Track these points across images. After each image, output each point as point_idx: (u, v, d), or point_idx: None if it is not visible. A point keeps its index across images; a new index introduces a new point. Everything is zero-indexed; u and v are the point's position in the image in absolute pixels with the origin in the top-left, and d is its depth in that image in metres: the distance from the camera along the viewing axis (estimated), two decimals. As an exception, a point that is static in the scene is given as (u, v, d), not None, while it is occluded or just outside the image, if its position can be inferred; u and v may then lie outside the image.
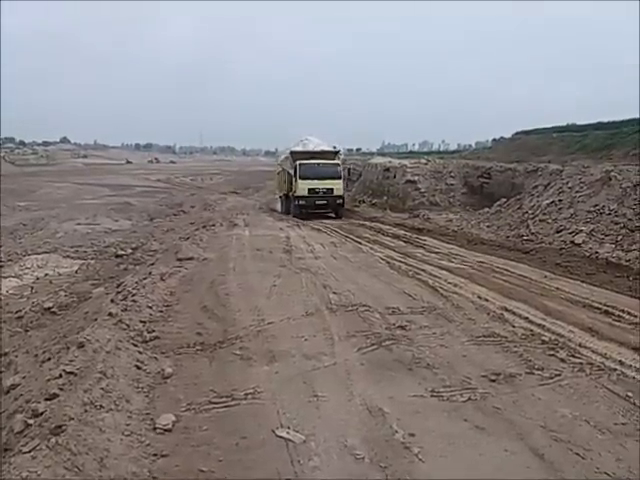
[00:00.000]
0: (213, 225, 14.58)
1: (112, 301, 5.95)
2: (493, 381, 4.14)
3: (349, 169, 22.97)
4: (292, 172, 19.96)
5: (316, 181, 19.12)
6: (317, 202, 19.24)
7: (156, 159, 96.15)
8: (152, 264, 8.77)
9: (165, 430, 3.34)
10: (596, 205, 11.08)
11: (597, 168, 12.64)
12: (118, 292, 6.51)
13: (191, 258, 8.94)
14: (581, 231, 10.55)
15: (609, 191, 11.23)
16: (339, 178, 19.69)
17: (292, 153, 20.42)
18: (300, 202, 19.16)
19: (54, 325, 6.37)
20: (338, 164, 20.24)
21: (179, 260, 8.73)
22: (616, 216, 10.41)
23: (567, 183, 12.77)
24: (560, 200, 12.28)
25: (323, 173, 19.49)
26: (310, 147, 20.96)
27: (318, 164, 19.75)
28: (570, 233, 10.75)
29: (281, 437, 3.27)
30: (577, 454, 3.14)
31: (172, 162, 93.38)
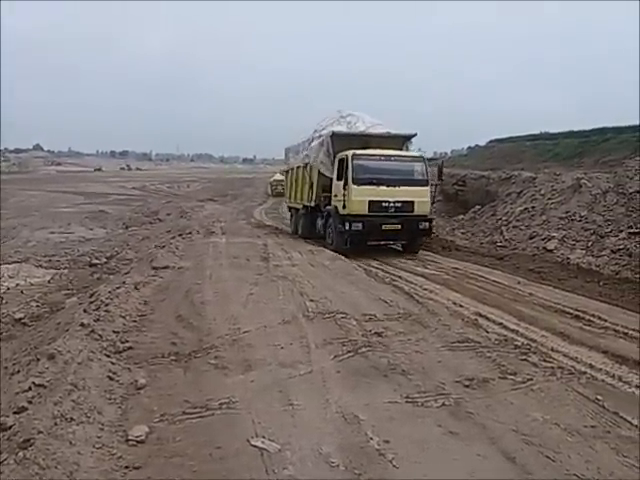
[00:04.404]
0: (189, 233, 14.42)
1: (85, 311, 5.85)
2: (467, 386, 4.18)
3: (440, 167, 13.43)
4: (333, 171, 12.23)
5: (383, 188, 11.34)
6: (385, 226, 11.29)
7: (128, 166, 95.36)
8: (127, 273, 8.65)
9: (138, 442, 3.28)
10: (567, 212, 11.37)
11: (568, 176, 12.99)
12: (91, 302, 6.40)
13: (166, 267, 8.82)
14: (553, 237, 10.80)
15: (580, 198, 11.55)
16: (424, 184, 11.83)
17: (334, 136, 12.46)
18: (354, 227, 11.24)
19: (25, 336, 6.23)
20: (422, 158, 12.36)
21: (154, 269, 8.62)
22: (586, 222, 10.70)
23: (539, 190, 13.08)
24: (533, 207, 12.55)
25: (395, 174, 11.63)
26: (360, 127, 13.10)
27: (387, 157, 11.79)
28: (542, 239, 11.00)
29: (256, 446, 3.25)
30: (547, 457, 3.19)
31: (138, 169, 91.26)
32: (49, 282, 9.67)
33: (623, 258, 9.08)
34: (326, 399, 3.94)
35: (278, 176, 43.59)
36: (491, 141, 29.01)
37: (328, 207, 12.48)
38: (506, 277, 9.18)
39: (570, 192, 12.00)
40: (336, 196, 12.02)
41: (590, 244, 10.05)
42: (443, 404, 3.88)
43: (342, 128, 13.12)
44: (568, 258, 9.94)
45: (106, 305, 6.03)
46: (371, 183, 11.38)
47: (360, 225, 11.28)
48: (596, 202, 11.13)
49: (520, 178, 14.99)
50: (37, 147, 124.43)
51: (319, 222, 13.24)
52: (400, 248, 12.55)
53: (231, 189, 44.12)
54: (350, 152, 11.56)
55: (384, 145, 12.26)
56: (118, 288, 7.00)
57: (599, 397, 4.04)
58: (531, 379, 4.36)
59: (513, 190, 14.47)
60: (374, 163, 11.65)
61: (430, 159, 13.60)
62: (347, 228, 11.36)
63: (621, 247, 9.35)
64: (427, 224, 11.79)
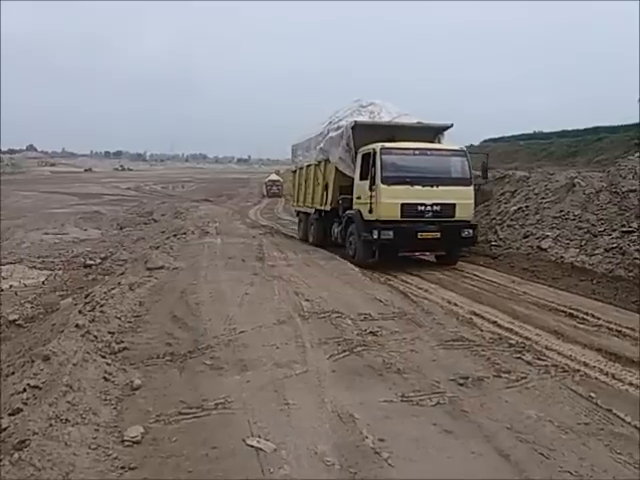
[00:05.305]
0: (184, 233, 14.41)
1: (80, 312, 5.83)
2: (461, 385, 4.21)
3: (485, 163, 11.43)
4: (354, 168, 10.67)
5: (419, 188, 9.67)
6: (421, 234, 9.59)
7: (122, 167, 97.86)
8: (121, 274, 8.63)
9: (133, 442, 3.28)
10: (561, 211, 11.40)
11: (562, 175, 13.02)
12: (86, 303, 6.39)
13: (161, 267, 8.81)
14: (547, 236, 10.83)
15: (573, 197, 11.57)
16: (467, 183, 10.17)
17: (356, 127, 10.70)
18: (383, 235, 9.55)
19: (19, 338, 6.23)
20: (463, 152, 10.53)
21: (149, 269, 8.60)
22: (580, 221, 10.73)
23: (533, 190, 13.09)
24: (527, 206, 12.57)
25: (433, 171, 9.97)
26: (384, 118, 11.51)
27: (423, 151, 10.11)
28: (537, 238, 11.03)
29: (251, 446, 3.25)
30: (541, 454, 3.21)
31: (129, 169, 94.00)
32: (43, 283, 9.65)
33: (616, 257, 9.12)
34: (321, 398, 3.95)
35: (273, 176, 43.76)
36: (485, 140, 29.18)
37: (349, 211, 10.70)
38: (500, 276, 9.22)
39: (564, 191, 12.03)
40: (359, 198, 10.31)
41: (584, 243, 10.08)
42: (438, 402, 3.90)
43: (364, 118, 11.36)
44: (562, 257, 9.98)
45: (101, 306, 6.02)
46: (404, 182, 9.62)
47: (391, 233, 9.51)
48: (589, 201, 11.17)
49: (514, 177, 15.00)
50: (30, 148, 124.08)
51: (335, 229, 11.59)
52: (433, 259, 10.78)
53: (226, 189, 44.11)
54: (378, 145, 9.82)
55: (413, 138, 10.43)
56: (113, 289, 6.99)
57: (592, 394, 4.07)
58: (525, 377, 4.39)
59: (507, 189, 14.49)
60: (407, 158, 9.96)
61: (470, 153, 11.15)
62: (375, 237, 9.56)
63: (614, 246, 9.40)
64: (471, 231, 10.04)
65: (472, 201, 10.24)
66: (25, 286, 9.39)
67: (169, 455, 3.17)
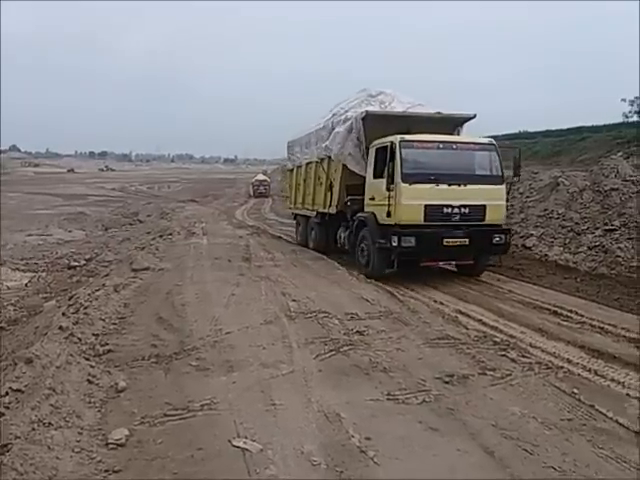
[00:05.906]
0: (170, 234, 14.32)
1: (63, 314, 5.76)
2: (447, 383, 4.23)
3: (517, 159, 9.51)
4: (365, 165, 9.61)
5: (444, 188, 8.47)
6: (447, 241, 8.44)
7: (106, 167, 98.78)
8: (106, 275, 8.54)
9: (118, 445, 3.25)
10: (545, 210, 11.54)
11: (546, 174, 13.17)
12: (70, 305, 6.31)
13: (147, 268, 8.74)
14: (531, 235, 10.97)
15: (557, 196, 11.72)
16: (498, 181, 8.97)
17: (367, 118, 9.64)
18: (404, 242, 8.35)
19: (2, 341, 6.13)
20: (493, 146, 9.13)
21: (134, 271, 8.53)
22: (564, 220, 10.87)
23: (518, 189, 13.21)
24: (512, 205, 12.66)
25: (460, 168, 8.82)
26: (397, 108, 10.36)
27: (448, 145, 8.98)
28: (521, 237, 11.15)
29: (238, 447, 3.24)
30: (525, 450, 3.24)
31: (111, 170, 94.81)
32: (26, 285, 9.52)
33: (599, 255, 9.25)
34: (308, 398, 3.95)
35: (260, 176, 43.72)
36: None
37: (360, 214, 9.52)
38: (486, 274, 9.29)
39: (548, 190, 12.18)
40: (373, 199, 9.13)
41: (567, 241, 10.22)
42: (424, 401, 3.92)
43: (376, 108, 10.20)
44: (546, 255, 10.11)
45: (85, 308, 5.95)
46: (428, 181, 8.42)
47: (413, 240, 8.29)
48: (573, 200, 11.31)
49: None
50: (13, 148, 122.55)
51: (342, 234, 10.55)
52: (454, 268, 9.61)
53: (212, 190, 43.99)
54: (397, 137, 8.59)
55: (430, 130, 9.17)
56: (97, 290, 6.92)
57: (575, 391, 4.12)
58: (510, 374, 4.43)
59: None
60: (431, 153, 8.75)
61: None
62: (394, 244, 8.34)
63: (597, 244, 9.53)
64: (503, 237, 8.79)
65: (504, 202, 9.08)
66: (8, 288, 9.25)
67: (154, 457, 3.15)
